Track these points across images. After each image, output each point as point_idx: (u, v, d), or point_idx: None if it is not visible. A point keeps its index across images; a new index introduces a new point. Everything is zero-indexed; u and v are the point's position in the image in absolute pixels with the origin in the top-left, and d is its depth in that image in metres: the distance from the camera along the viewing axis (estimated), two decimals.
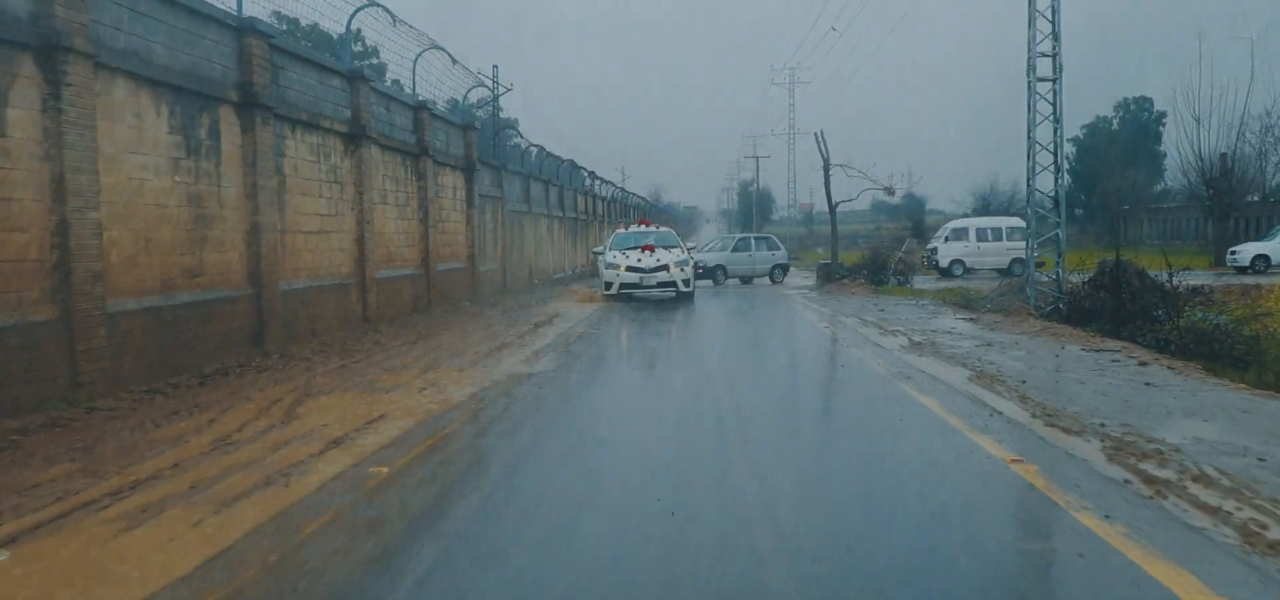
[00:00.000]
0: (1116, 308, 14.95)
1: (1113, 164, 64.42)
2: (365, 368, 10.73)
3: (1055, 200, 19.41)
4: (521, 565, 4.27)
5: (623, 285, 20.72)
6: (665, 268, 20.69)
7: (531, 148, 30.83)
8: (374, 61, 25.74)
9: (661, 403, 9.03)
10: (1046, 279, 19.03)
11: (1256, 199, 53.28)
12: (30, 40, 7.94)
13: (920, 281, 27.22)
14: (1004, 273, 29.27)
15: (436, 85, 21.09)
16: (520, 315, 17.69)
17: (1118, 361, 10.47)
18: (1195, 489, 5.18)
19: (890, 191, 33.24)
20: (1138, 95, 76.62)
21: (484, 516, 5.00)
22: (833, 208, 29.30)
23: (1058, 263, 18.77)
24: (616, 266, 20.89)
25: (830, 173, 28.24)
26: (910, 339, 12.92)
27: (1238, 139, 44.64)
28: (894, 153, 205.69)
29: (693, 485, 5.59)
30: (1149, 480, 5.38)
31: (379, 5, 16.01)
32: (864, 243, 52.35)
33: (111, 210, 8.99)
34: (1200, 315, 14.47)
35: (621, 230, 23.78)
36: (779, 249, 30.44)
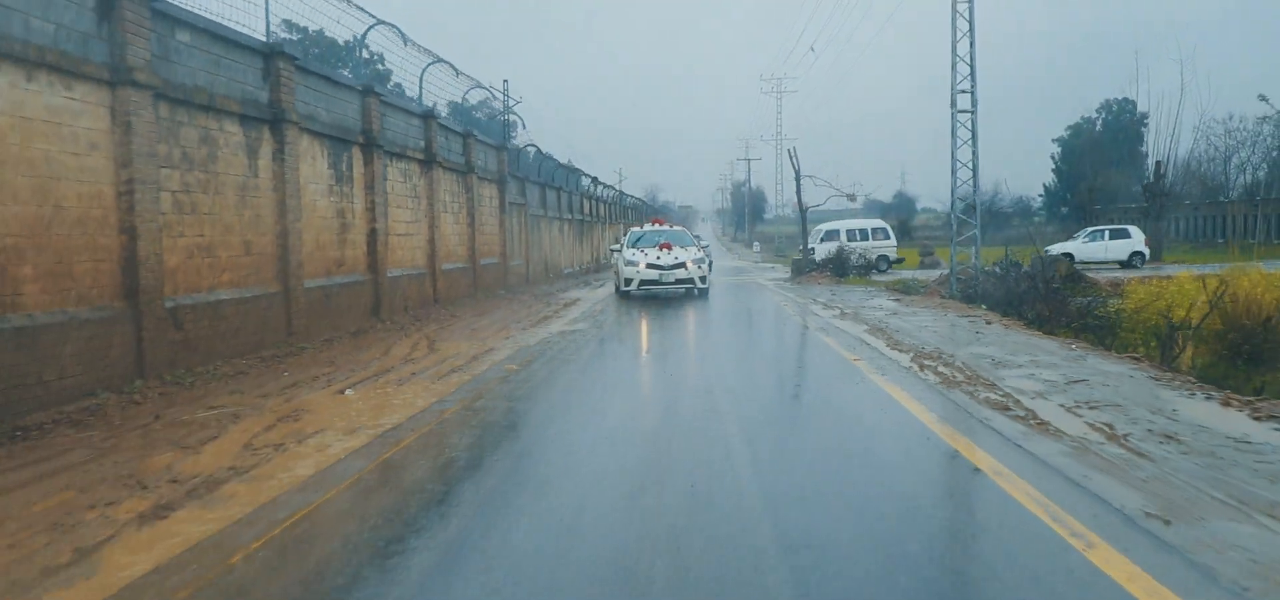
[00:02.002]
0: (1006, 292, 19.80)
1: (1095, 164, 67.13)
2: (456, 329, 15.53)
3: (972, 206, 24.25)
4: (602, 395, 9.14)
5: (643, 282, 21.46)
6: (683, 265, 21.56)
7: (542, 154, 35.54)
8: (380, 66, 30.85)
9: (663, 341, 13.83)
10: (970, 270, 23.88)
11: (1223, 199, 58.06)
12: (267, 116, 12.75)
13: (878, 275, 32.07)
14: (869, 267, 33.88)
15: (444, 91, 25.81)
16: (549, 299, 22.51)
17: (973, 322, 15.33)
18: (941, 368, 10.02)
19: (852, 198, 38.05)
20: (1121, 97, 79.36)
21: (579, 378, 9.86)
22: (804, 211, 34.22)
23: (975, 258, 23.64)
24: (636, 264, 21.54)
25: (801, 182, 33.19)
26: (842, 311, 17.76)
27: (1170, 146, 49.71)
28: (889, 154, 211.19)
29: (683, 372, 10.45)
30: (921, 366, 10.23)
31: (444, 62, 20.81)
32: None
33: (304, 222, 13.79)
34: (1071, 298, 19.38)
35: (637, 229, 24.38)
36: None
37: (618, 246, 23.82)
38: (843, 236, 35.23)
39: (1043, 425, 7.03)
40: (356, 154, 16.08)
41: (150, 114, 9.88)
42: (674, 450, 6.52)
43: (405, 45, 18.25)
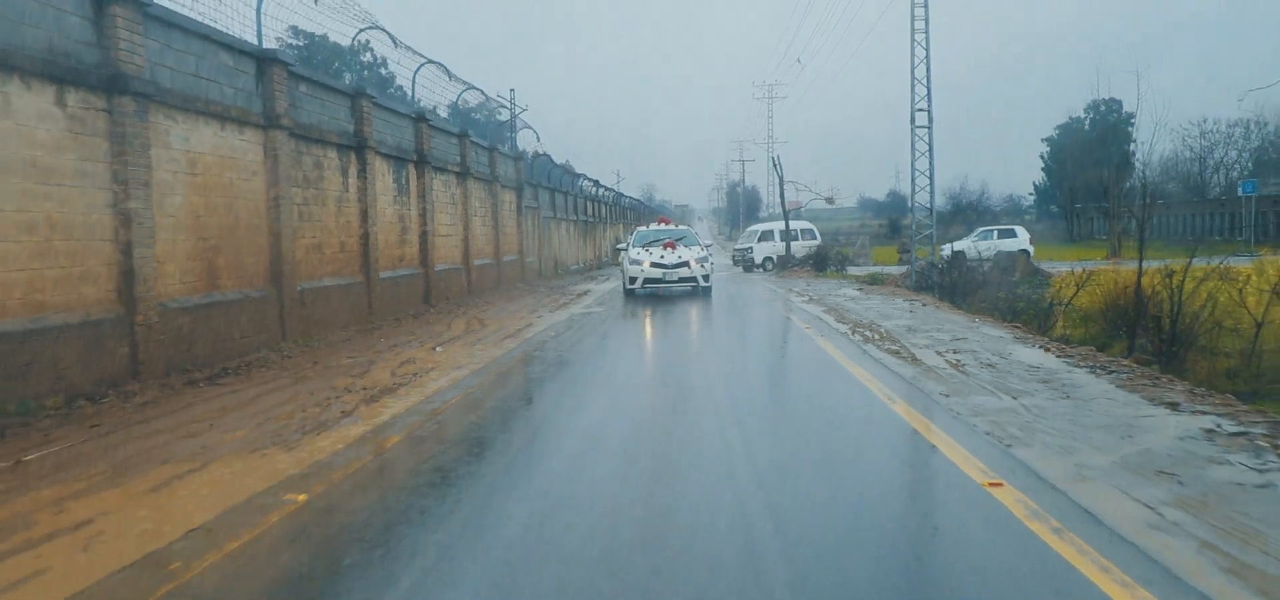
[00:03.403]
0: (951, 282, 23.48)
1: (1084, 163, 69.23)
2: (494, 312, 19.15)
3: (930, 209, 27.93)
4: (620, 347, 12.83)
5: (646, 280, 22.11)
6: (686, 264, 22.13)
7: (552, 162, 39.16)
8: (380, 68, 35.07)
9: (664, 318, 17.46)
10: (926, 264, 27.56)
11: (1196, 199, 61.68)
12: (354, 143, 16.38)
13: (855, 270, 35.77)
14: (800, 264, 36.96)
15: (444, 93, 29.43)
16: (563, 291, 26.15)
17: (912, 305, 19.00)
18: (867, 333, 13.68)
19: (829, 200, 41.70)
20: (1108, 97, 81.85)
21: (603, 340, 13.53)
22: (786, 213, 37.90)
23: (930, 254, 27.33)
24: (640, 263, 22.18)
25: (784, 186, 36.90)
26: (810, 298, 21.42)
27: (1130, 152, 53.45)
28: (886, 154, 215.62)
29: (678, 337, 14.11)
30: (854, 330, 13.89)
31: (476, 88, 24.46)
32: (844, 238, 60.11)
33: (378, 226, 17.42)
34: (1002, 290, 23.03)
35: (643, 229, 24.86)
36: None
37: (623, 245, 24.96)
38: (778, 237, 38.49)
39: (915, 361, 10.68)
40: (411, 170, 19.72)
41: (288, 147, 13.51)
42: (671, 373, 10.20)
43: (449, 79, 21.88)
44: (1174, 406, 7.59)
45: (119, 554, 4.49)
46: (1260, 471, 5.45)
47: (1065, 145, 77.59)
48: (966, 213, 64.72)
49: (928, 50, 27.06)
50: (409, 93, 23.49)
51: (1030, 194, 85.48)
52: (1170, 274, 13.42)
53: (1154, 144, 57.52)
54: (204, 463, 6.39)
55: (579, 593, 3.94)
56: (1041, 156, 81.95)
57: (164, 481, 5.90)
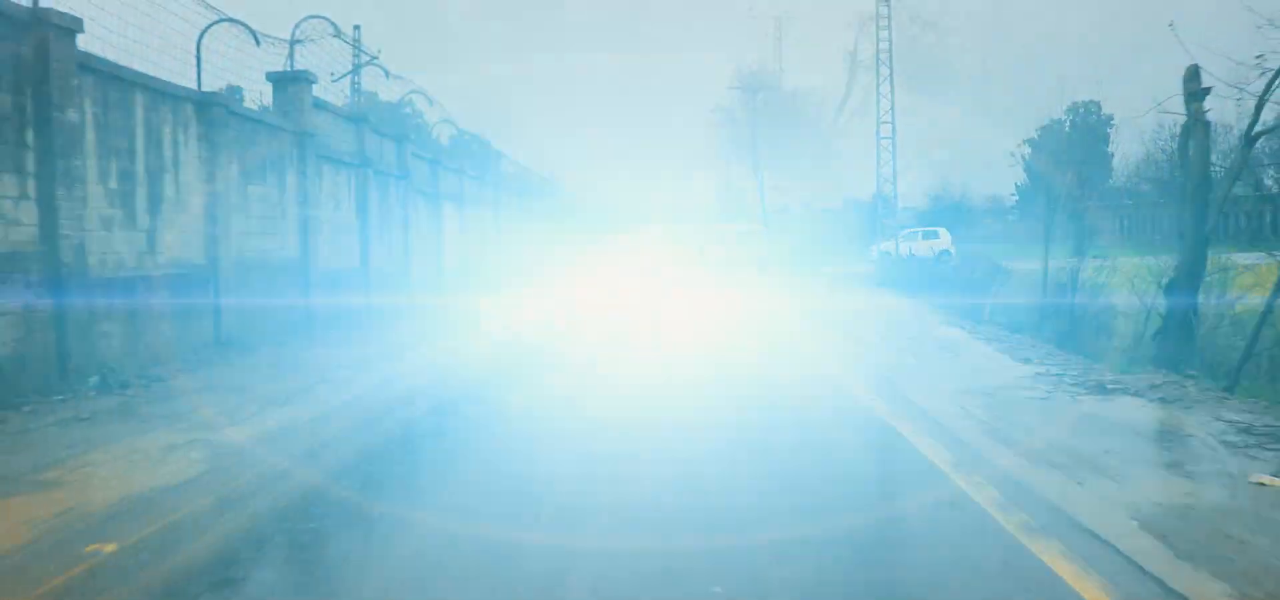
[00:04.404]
0: (908, 277, 26.46)
1: (1061, 163, 71.13)
2: (507, 303, 21.96)
3: (893, 213, 30.94)
4: (620, 316, 15.75)
5: (639, 281, 24.91)
6: (677, 265, 26.46)
7: (537, 175, 41.97)
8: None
9: (656, 304, 20.30)
10: (887, 261, 30.56)
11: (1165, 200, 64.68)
12: (396, 174, 19.18)
13: (828, 268, 38.74)
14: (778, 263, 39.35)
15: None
16: (564, 287, 29.02)
17: (870, 296, 21.96)
18: (815, 310, 16.58)
19: (806, 204, 44.66)
20: (1087, 99, 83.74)
21: (605, 316, 16.45)
22: (766, 216, 40.95)
23: (895, 252, 30.32)
24: (634, 265, 26.74)
25: (764, 193, 39.92)
26: (784, 292, 24.35)
27: (1109, 154, 56.43)
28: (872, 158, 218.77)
29: (664, 315, 17.00)
30: (806, 316, 16.79)
31: (486, 140, 27.25)
32: (829, 237, 62.14)
33: (412, 234, 20.22)
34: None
35: (635, 232, 29.44)
36: None
37: (617, 249, 29.66)
38: (732, 238, 41.47)
39: (853, 337, 13.60)
40: (440, 197, 22.60)
41: (375, 184, 16.35)
42: (658, 338, 13.09)
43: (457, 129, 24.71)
44: (1026, 361, 10.53)
45: (344, 394, 7.43)
46: (1047, 395, 8.37)
47: (1046, 146, 79.57)
48: (948, 213, 67.58)
49: (891, 69, 30.11)
50: (414, 121, 26.35)
51: (1013, 194, 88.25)
52: (1074, 269, 16.37)
53: (1117, 144, 60.46)
54: (354, 374, 9.27)
55: (624, 384, 6.80)
56: (1022, 158, 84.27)
57: (321, 377, 8.84)
